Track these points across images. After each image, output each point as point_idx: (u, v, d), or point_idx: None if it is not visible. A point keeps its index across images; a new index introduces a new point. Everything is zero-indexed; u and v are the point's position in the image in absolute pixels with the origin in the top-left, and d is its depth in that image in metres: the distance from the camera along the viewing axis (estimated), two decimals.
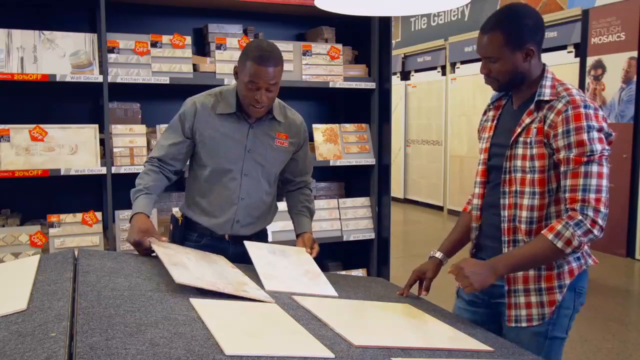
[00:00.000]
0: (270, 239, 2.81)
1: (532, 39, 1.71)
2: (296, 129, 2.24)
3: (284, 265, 1.98)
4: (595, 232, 1.60)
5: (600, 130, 1.62)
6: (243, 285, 1.72)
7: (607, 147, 1.63)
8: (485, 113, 1.97)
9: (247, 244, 2.06)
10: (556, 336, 1.76)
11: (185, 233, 2.25)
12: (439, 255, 1.99)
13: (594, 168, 1.60)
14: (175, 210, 2.39)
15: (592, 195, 1.59)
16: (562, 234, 1.60)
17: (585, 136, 1.60)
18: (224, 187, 2.16)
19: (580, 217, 1.59)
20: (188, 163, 2.29)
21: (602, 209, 1.60)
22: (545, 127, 1.67)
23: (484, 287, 1.68)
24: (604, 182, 1.61)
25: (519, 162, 1.74)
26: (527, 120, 1.73)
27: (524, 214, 1.73)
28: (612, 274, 5.48)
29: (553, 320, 1.74)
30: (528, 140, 1.71)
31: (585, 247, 1.70)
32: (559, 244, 1.61)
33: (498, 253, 1.76)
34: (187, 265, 1.75)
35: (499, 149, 1.82)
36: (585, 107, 1.63)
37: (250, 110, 2.08)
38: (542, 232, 1.65)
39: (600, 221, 1.60)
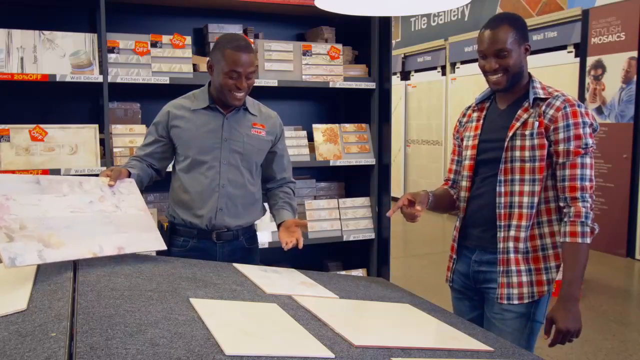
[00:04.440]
0: (269, 239, 2.81)
1: (528, 38, 1.92)
2: (272, 122, 2.32)
3: (278, 277, 1.99)
4: (592, 212, 1.85)
5: (590, 125, 1.86)
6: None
7: (594, 141, 1.88)
8: (465, 115, 2.12)
9: (236, 265, 2.05)
10: (537, 320, 1.94)
11: (171, 239, 2.26)
12: (429, 191, 2.07)
13: (587, 160, 1.85)
14: (162, 218, 2.39)
15: (588, 184, 1.84)
16: (585, 232, 1.82)
17: (581, 131, 1.83)
18: (203, 176, 2.20)
19: (583, 210, 1.82)
20: (171, 170, 2.32)
21: (593, 194, 1.87)
22: (546, 121, 1.86)
23: (580, 318, 1.82)
24: (593, 172, 1.88)
25: (517, 153, 1.89)
26: (525, 116, 1.90)
27: (525, 199, 1.89)
28: (612, 274, 5.48)
29: (536, 303, 1.92)
30: (527, 132, 1.88)
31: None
32: (588, 240, 1.82)
33: (484, 240, 1.97)
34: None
35: (490, 144, 1.97)
36: (579, 106, 1.86)
37: (229, 98, 2.14)
38: (567, 241, 1.83)
39: (593, 204, 1.87)
